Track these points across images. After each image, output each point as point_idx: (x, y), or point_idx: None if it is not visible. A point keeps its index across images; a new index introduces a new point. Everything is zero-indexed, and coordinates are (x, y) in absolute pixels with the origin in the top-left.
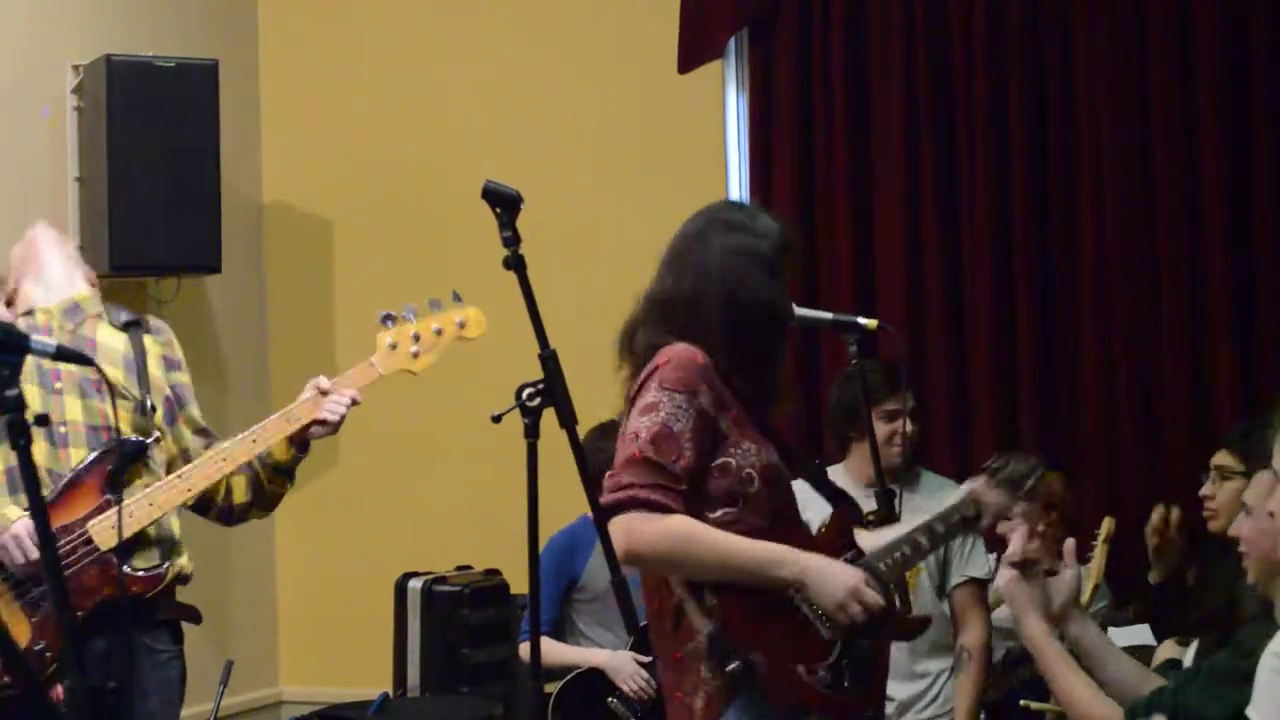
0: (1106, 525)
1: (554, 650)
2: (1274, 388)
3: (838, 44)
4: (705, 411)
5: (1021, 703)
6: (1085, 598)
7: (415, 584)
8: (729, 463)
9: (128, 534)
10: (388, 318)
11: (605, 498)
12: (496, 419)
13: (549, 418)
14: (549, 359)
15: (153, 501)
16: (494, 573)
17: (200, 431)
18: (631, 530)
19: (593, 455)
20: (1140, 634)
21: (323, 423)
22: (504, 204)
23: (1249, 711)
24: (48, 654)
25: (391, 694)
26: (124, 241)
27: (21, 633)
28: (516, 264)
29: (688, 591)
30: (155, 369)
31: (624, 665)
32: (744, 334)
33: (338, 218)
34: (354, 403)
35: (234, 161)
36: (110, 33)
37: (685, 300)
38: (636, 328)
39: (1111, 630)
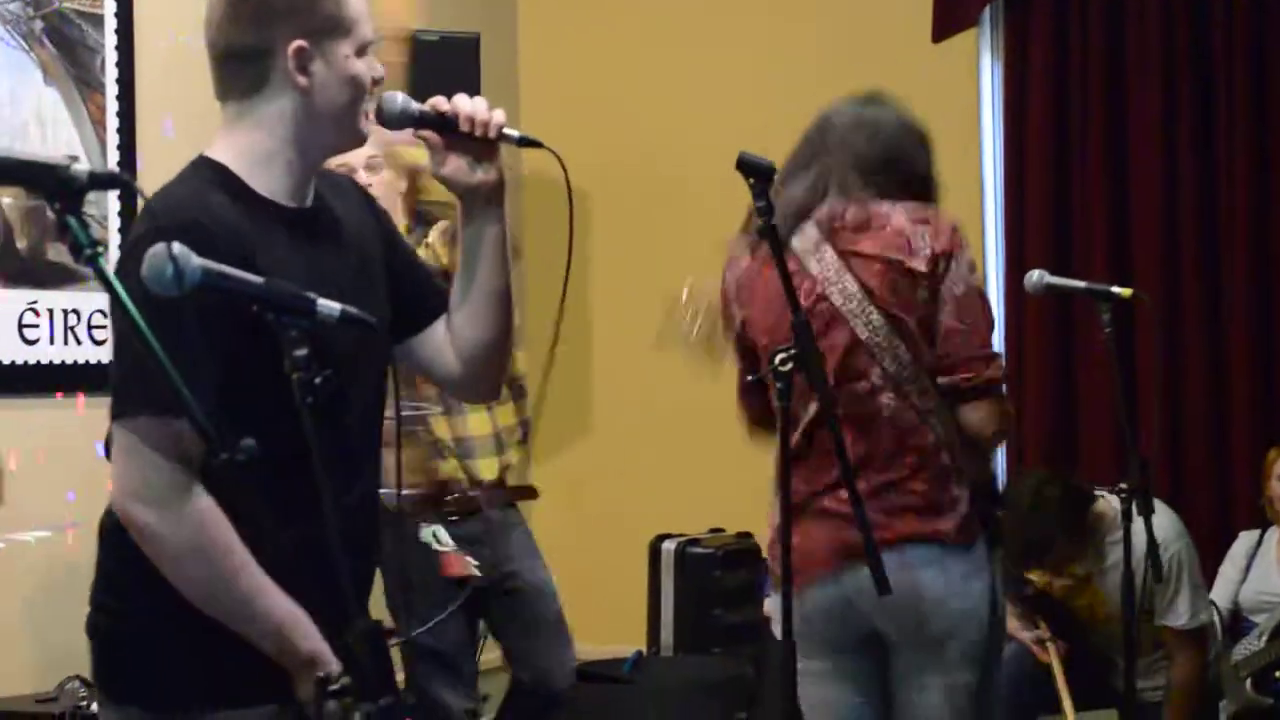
0: None
1: None
2: None
3: (1096, 10)
4: None
5: (1277, 674)
6: None
7: (669, 546)
8: None
9: None
10: None
11: (993, 372)
12: (754, 381)
13: None
14: (801, 325)
15: None
16: (746, 535)
17: None
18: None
19: None
20: None
21: None
22: (758, 174)
23: None
24: None
25: (645, 653)
26: None
27: None
28: (769, 233)
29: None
30: None
31: None
32: None
33: (595, 188)
34: None
35: None
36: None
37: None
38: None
39: None
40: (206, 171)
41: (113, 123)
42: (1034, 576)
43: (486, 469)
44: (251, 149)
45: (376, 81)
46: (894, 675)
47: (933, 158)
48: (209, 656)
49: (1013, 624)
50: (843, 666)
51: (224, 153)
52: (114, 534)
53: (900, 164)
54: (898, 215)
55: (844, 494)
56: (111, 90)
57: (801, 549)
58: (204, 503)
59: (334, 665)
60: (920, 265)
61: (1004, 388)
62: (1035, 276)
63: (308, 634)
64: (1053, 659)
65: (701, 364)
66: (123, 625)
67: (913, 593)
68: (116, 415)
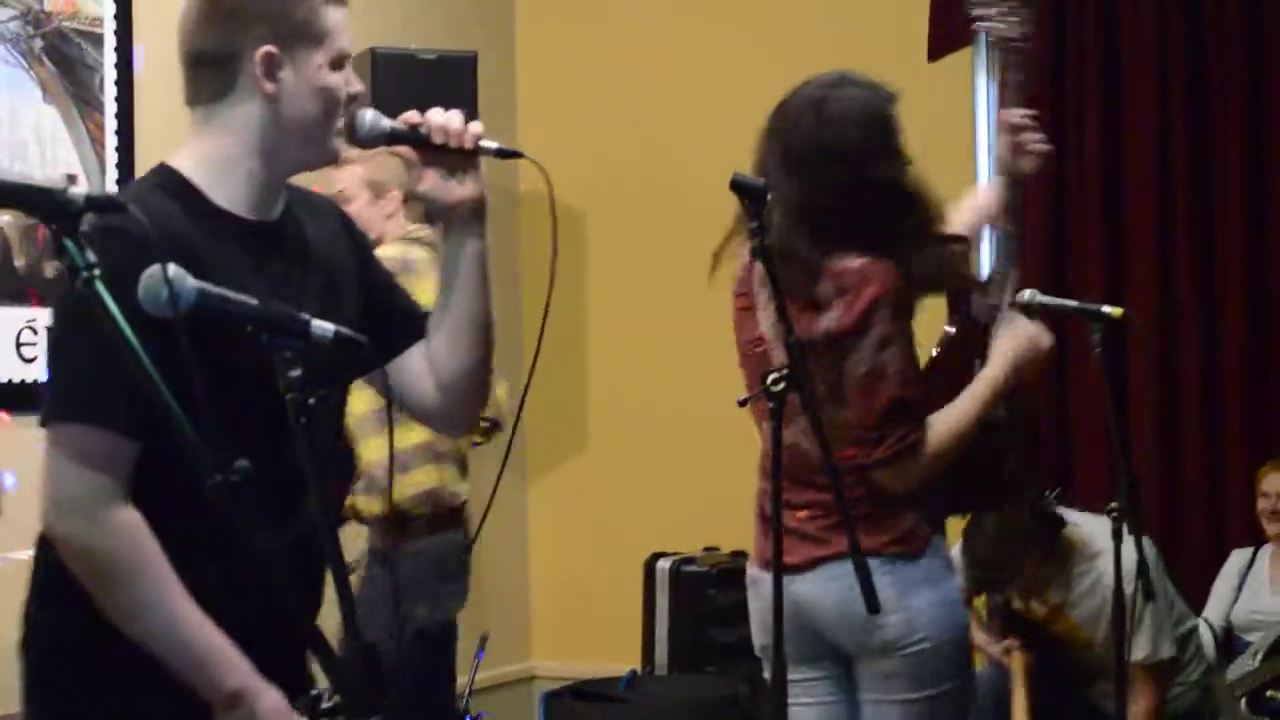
0: None
1: None
2: None
3: (1090, 29)
4: None
5: (1269, 693)
6: None
7: (663, 564)
8: None
9: None
10: None
11: (881, 453)
12: (742, 403)
13: None
14: (794, 346)
15: None
16: (741, 554)
17: None
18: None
19: None
20: None
21: None
22: (752, 195)
23: None
24: None
25: (639, 671)
26: None
27: None
28: (763, 254)
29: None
30: None
31: None
32: None
33: (590, 208)
34: None
35: None
36: (375, 26)
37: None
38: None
39: None
40: (162, 178)
41: (111, 141)
42: (1014, 603)
43: (366, 505)
44: (213, 155)
45: (353, 97)
46: (857, 688)
47: (898, 165)
48: (142, 682)
49: (981, 637)
50: (814, 675)
51: (186, 160)
52: (47, 548)
53: (854, 205)
54: (825, 281)
55: (800, 514)
56: (110, 109)
57: (760, 552)
58: (131, 517)
59: (263, 703)
60: (819, 340)
61: (918, 445)
62: (1027, 296)
63: (233, 668)
64: (1015, 667)
65: None
66: (58, 640)
67: (851, 607)
68: (41, 421)
